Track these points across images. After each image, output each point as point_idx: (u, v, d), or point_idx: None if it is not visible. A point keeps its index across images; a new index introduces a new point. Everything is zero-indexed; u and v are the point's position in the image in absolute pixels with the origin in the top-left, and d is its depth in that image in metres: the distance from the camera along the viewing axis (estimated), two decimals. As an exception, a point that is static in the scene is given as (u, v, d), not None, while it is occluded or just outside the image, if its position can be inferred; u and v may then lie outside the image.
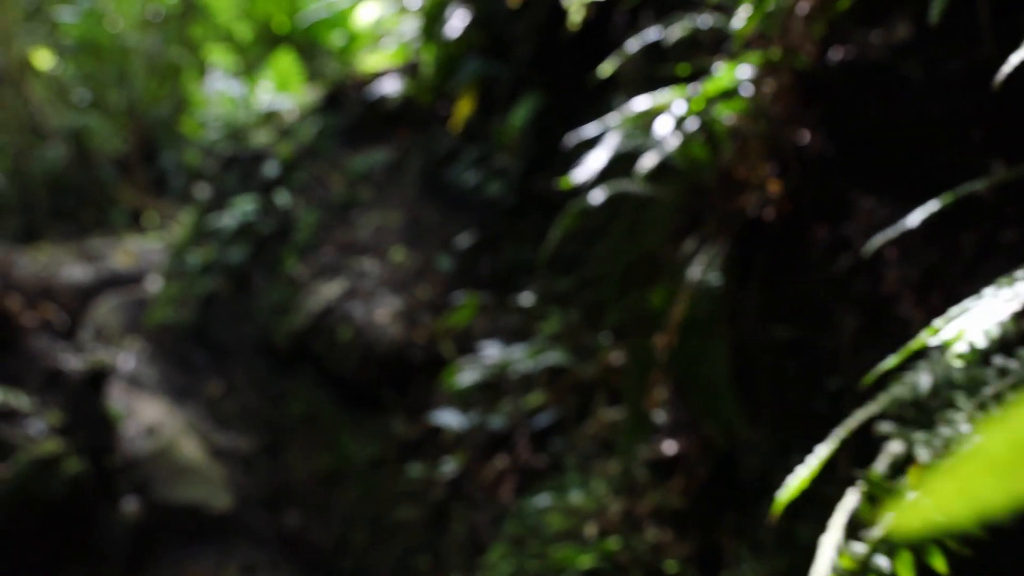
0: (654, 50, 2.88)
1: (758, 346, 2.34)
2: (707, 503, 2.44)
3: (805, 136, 2.28)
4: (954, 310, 1.05)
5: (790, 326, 2.29)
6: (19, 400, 4.18)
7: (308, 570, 4.08)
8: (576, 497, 2.70)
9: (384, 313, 4.25)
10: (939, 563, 1.04)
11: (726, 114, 2.35)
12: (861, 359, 2.08)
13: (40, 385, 4.67)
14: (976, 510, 0.32)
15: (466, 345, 3.85)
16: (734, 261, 2.35)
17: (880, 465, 1.36)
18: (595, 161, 2.41)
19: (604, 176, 2.51)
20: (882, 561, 1.07)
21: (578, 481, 2.78)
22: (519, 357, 3.34)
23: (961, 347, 0.98)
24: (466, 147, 4.60)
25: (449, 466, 3.52)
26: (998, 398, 1.11)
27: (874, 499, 1.31)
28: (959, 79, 2.06)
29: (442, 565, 3.41)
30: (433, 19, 4.61)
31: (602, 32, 3.68)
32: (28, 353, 4.91)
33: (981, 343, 0.96)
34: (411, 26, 5.15)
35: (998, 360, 1.20)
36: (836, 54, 2.30)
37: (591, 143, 2.64)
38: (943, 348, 1.26)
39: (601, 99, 3.59)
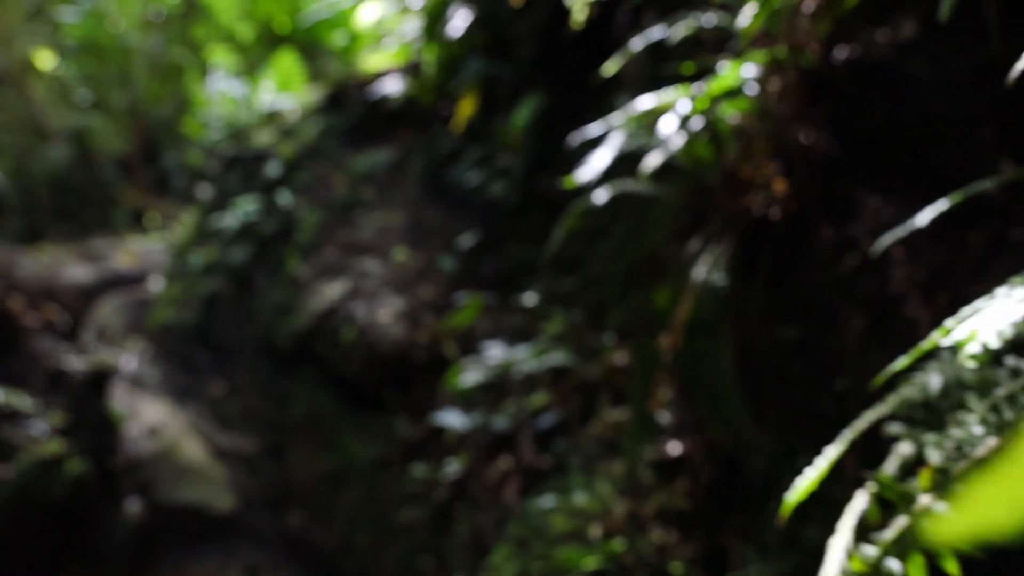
0: (657, 49, 2.87)
1: (763, 346, 2.33)
2: (712, 504, 2.43)
3: (810, 135, 2.27)
4: (966, 310, 1.04)
5: (796, 326, 2.27)
6: (21, 401, 4.17)
7: (311, 571, 4.07)
8: (580, 498, 2.69)
9: (387, 313, 4.24)
10: (952, 566, 1.03)
11: (730, 113, 2.33)
12: (867, 359, 2.07)
13: (42, 386, 4.67)
14: (1018, 518, 0.30)
15: (469, 345, 3.84)
16: (739, 261, 2.34)
17: (890, 467, 1.35)
18: (599, 160, 2.39)
19: (608, 176, 2.49)
20: (893, 564, 1.06)
21: (582, 482, 2.77)
22: (522, 357, 3.33)
23: (974, 348, 0.96)
24: (468, 147, 4.59)
25: (452, 467, 3.51)
26: (1011, 399, 1.10)
27: (884, 501, 1.30)
28: (966, 77, 2.05)
29: (446, 566, 3.40)
30: (435, 19, 4.61)
31: (605, 31, 3.67)
32: (30, 354, 4.91)
33: (994, 344, 0.95)
34: (413, 26, 5.14)
35: (1010, 360, 1.18)
36: (841, 52, 2.29)
37: (595, 142, 2.63)
38: (955, 349, 1.25)
39: (604, 98, 3.58)
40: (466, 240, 4.36)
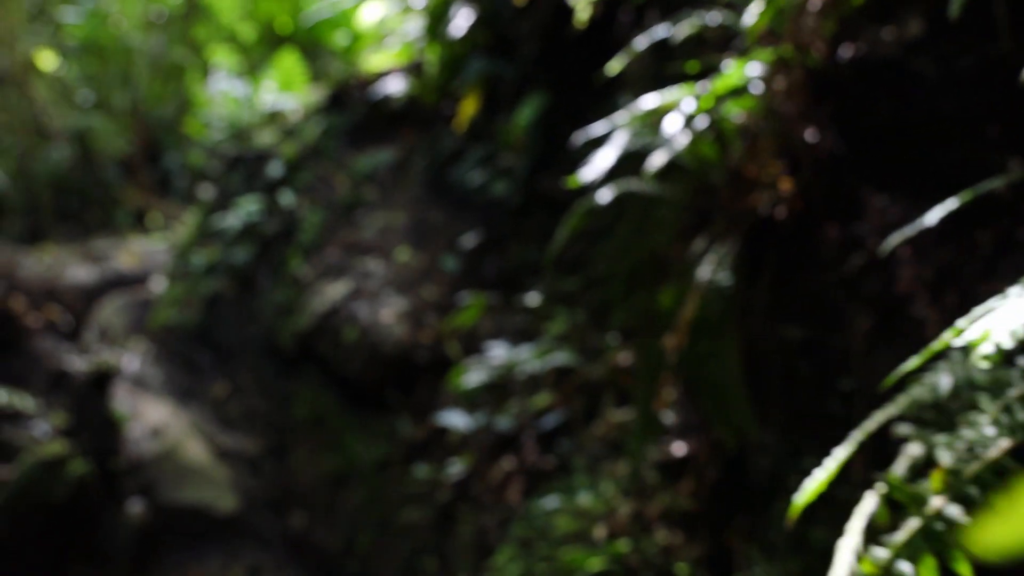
0: (661, 48, 2.86)
1: (769, 346, 2.31)
2: (717, 505, 2.42)
3: (815, 134, 2.26)
4: (978, 310, 1.03)
5: (801, 326, 2.26)
6: (24, 401, 4.17)
7: (313, 572, 4.06)
8: (585, 499, 2.68)
9: (389, 313, 4.23)
10: (964, 569, 1.02)
11: (735, 112, 2.32)
12: (874, 360, 2.06)
13: (45, 386, 4.66)
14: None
15: (472, 346, 3.83)
16: (744, 260, 2.33)
17: (899, 468, 1.33)
18: (603, 160, 2.38)
19: (612, 175, 2.48)
20: (905, 567, 1.05)
21: (586, 483, 2.76)
22: (526, 358, 3.32)
23: (987, 348, 0.95)
24: (471, 147, 4.58)
25: (456, 467, 3.50)
26: (1023, 400, 1.08)
27: (893, 503, 1.29)
28: (972, 75, 2.03)
29: (449, 567, 3.39)
30: (437, 18, 4.59)
31: (607, 30, 3.66)
32: (33, 354, 4.90)
33: (1008, 344, 0.94)
34: (415, 25, 5.13)
35: (1022, 361, 1.17)
36: (847, 51, 2.28)
37: (598, 142, 2.62)
38: (966, 349, 1.24)
39: (607, 98, 3.57)
40: (469, 240, 4.35)
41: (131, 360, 5.44)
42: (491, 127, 4.44)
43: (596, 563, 2.40)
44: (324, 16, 7.39)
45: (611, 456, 2.89)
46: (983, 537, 0.31)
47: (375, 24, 6.44)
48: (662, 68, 3.03)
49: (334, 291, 4.55)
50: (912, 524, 1.07)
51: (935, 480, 1.08)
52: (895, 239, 1.70)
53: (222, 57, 8.15)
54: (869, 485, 1.47)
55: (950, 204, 1.54)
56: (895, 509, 1.40)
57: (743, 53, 2.22)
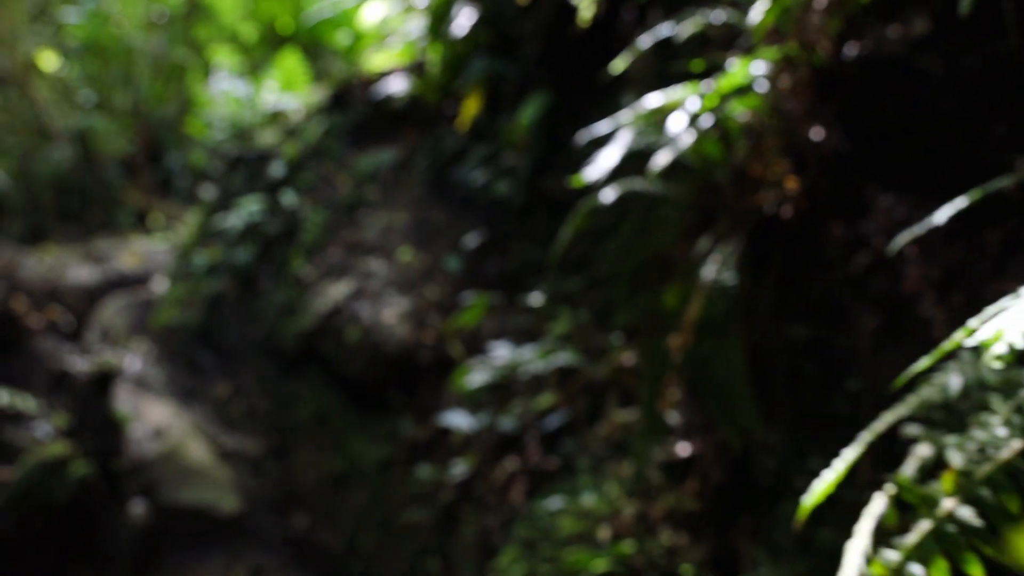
0: (664, 47, 2.85)
1: (774, 346, 2.30)
2: (722, 506, 2.41)
3: (821, 132, 2.25)
4: (990, 309, 1.02)
5: (807, 326, 2.25)
6: (25, 402, 4.16)
7: (316, 573, 4.05)
8: (589, 499, 2.67)
9: (392, 314, 4.22)
10: (976, 571, 1.01)
11: (740, 111, 2.31)
12: (880, 359, 2.04)
13: (46, 387, 4.65)
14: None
15: (475, 346, 3.82)
16: (749, 260, 2.32)
17: (908, 469, 1.32)
18: (607, 159, 2.37)
19: (616, 174, 2.47)
20: (916, 569, 1.03)
21: (590, 483, 2.75)
22: (529, 358, 3.31)
23: (1000, 348, 0.94)
24: (473, 146, 4.57)
25: (459, 468, 3.49)
26: (1036, 400, 1.07)
27: (902, 504, 1.28)
28: (979, 73, 2.02)
29: (452, 568, 3.38)
30: (440, 17, 4.58)
31: (610, 30, 3.64)
32: (34, 355, 4.89)
33: (1021, 344, 0.92)
34: (417, 24, 5.12)
35: (1034, 361, 1.16)
36: (852, 49, 2.27)
37: (601, 141, 2.61)
38: (977, 349, 1.23)
39: (610, 97, 3.56)
40: (471, 240, 4.34)
41: (133, 360, 5.44)
42: (493, 127, 4.42)
43: (600, 564, 2.39)
44: (326, 16, 7.38)
45: (615, 456, 2.88)
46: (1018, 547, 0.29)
47: (377, 23, 6.43)
48: (665, 67, 3.02)
49: (336, 291, 4.54)
50: (923, 526, 1.05)
51: (946, 482, 1.07)
52: (903, 238, 1.69)
53: (223, 57, 8.14)
54: (876, 486, 1.46)
55: (959, 203, 1.53)
56: (904, 511, 1.39)
57: (748, 51, 2.21)
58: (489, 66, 4.36)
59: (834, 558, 2.04)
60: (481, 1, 4.39)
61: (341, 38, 7.48)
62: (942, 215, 1.57)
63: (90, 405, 4.30)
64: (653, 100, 2.30)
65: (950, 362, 1.32)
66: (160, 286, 6.35)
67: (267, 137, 5.94)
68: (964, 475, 1.06)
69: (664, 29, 2.54)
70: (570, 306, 3.51)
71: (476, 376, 3.35)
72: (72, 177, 8.50)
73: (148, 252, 7.26)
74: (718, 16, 2.45)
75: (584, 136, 2.72)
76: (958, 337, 1.02)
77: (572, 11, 3.77)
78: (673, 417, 2.60)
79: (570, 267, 3.56)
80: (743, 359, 2.23)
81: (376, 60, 5.81)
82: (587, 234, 2.75)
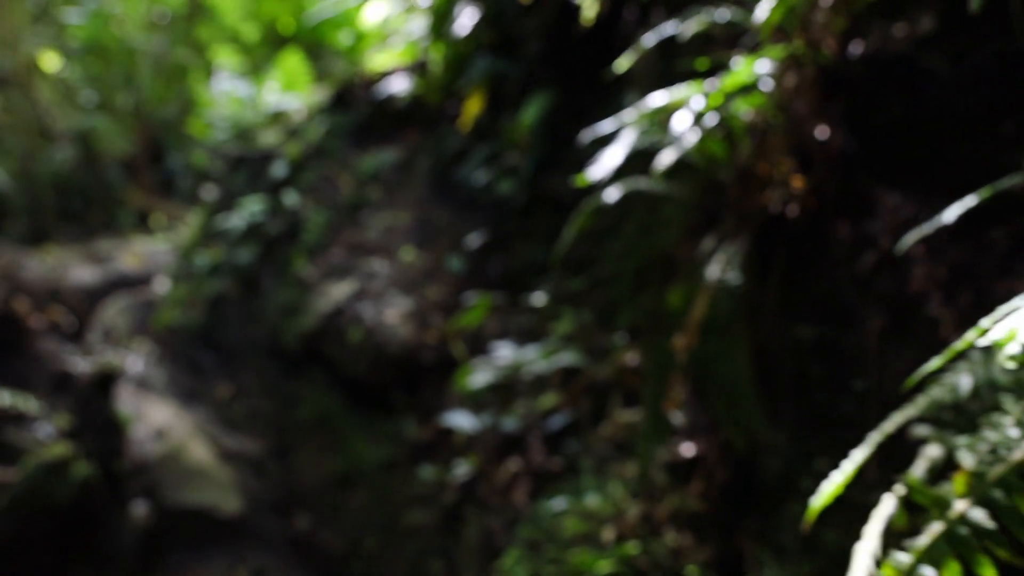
0: (666, 47, 2.83)
1: (779, 346, 2.29)
2: (727, 507, 2.39)
3: (826, 131, 2.23)
4: (1002, 309, 1.00)
5: (812, 325, 2.24)
6: (27, 403, 4.15)
7: (318, 574, 4.04)
8: (593, 500, 2.65)
9: (394, 314, 4.21)
10: (989, 573, 0.99)
11: (744, 110, 2.29)
12: (887, 360, 2.03)
13: (48, 388, 4.65)
14: None
15: (477, 346, 3.80)
16: (753, 259, 2.30)
17: (917, 470, 1.31)
18: (612, 158, 2.36)
19: (619, 173, 2.46)
20: (928, 572, 1.02)
21: (594, 484, 2.74)
22: (532, 358, 3.30)
23: (1013, 348, 0.92)
24: (476, 146, 4.56)
25: (461, 469, 3.48)
26: (1049, 401, 1.06)
27: (911, 505, 1.26)
28: (986, 71, 2.01)
29: (455, 570, 3.37)
30: (442, 17, 4.57)
31: (612, 29, 3.63)
32: (36, 356, 4.89)
33: (1035, 344, 0.91)
34: (419, 24, 5.11)
35: (1046, 361, 1.15)
36: (857, 48, 2.25)
37: (604, 140, 2.60)
38: (988, 349, 1.22)
39: (612, 96, 3.54)
40: (474, 240, 4.33)
41: (135, 361, 5.43)
42: (496, 126, 4.41)
43: (605, 566, 2.38)
44: (327, 16, 7.37)
45: (619, 457, 2.87)
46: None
47: (379, 23, 6.42)
48: (668, 66, 3.01)
49: (339, 291, 4.53)
50: (935, 528, 1.04)
51: (958, 483, 1.06)
52: (912, 237, 1.68)
53: (225, 57, 8.14)
54: (883, 487, 1.44)
55: (968, 201, 1.51)
56: (913, 512, 1.37)
57: (753, 50, 2.19)
58: (491, 66, 4.34)
59: (840, 559, 2.03)
60: (483, 1, 4.38)
61: (343, 38, 7.47)
62: (951, 214, 1.56)
63: (92, 406, 4.29)
64: (657, 99, 2.29)
65: (960, 362, 1.31)
66: (162, 287, 6.35)
67: (269, 137, 5.93)
68: (976, 476, 1.05)
69: (668, 27, 2.53)
70: (573, 306, 3.50)
71: (479, 376, 3.34)
72: (74, 178, 8.50)
73: (150, 252, 7.25)
74: (722, 14, 2.44)
75: (587, 135, 2.70)
76: (970, 337, 1.01)
77: (574, 10, 3.75)
78: (677, 417, 2.59)
79: (573, 267, 3.55)
80: (748, 359, 2.22)
81: (378, 60, 5.80)
82: (590, 234, 2.73)
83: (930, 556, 1.03)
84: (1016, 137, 1.85)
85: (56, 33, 8.93)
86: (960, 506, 1.04)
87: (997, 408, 1.13)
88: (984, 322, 1.01)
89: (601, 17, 3.56)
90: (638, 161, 2.49)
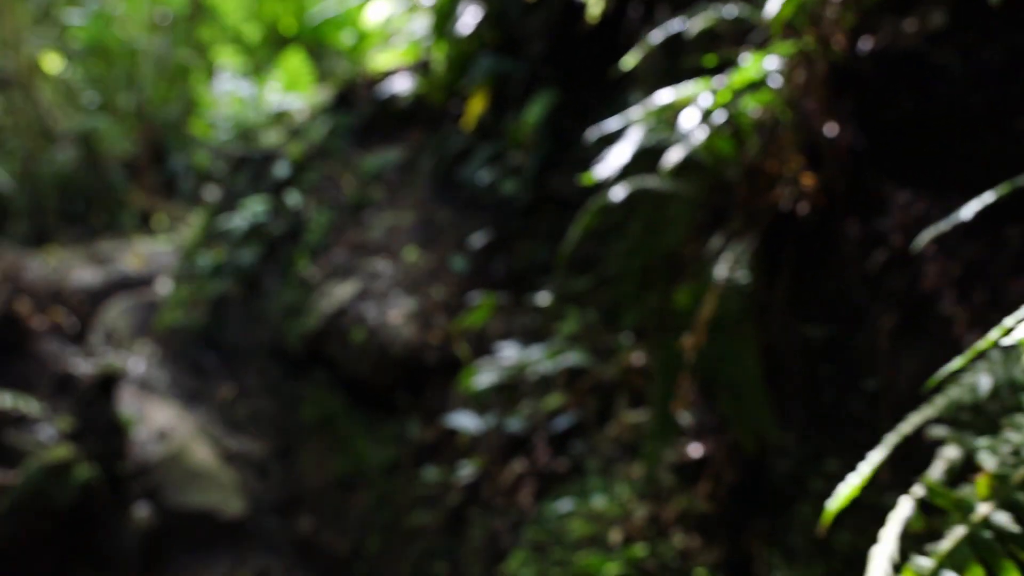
0: (672, 44, 2.81)
1: (789, 346, 2.26)
2: (736, 508, 2.37)
3: (836, 128, 2.21)
4: (1026, 307, 0.98)
5: (822, 325, 2.21)
6: (29, 405, 4.13)
7: (322, 576, 4.02)
8: (599, 502, 2.63)
9: (398, 314, 4.19)
10: (1014, 579, 0.97)
11: (752, 107, 2.27)
12: (899, 359, 2.00)
13: (50, 390, 4.63)
14: None
15: (482, 346, 3.78)
16: (762, 258, 2.28)
17: (935, 472, 1.28)
18: (618, 156, 2.33)
19: (625, 172, 2.43)
20: (950, 577, 0.99)
21: (601, 485, 2.71)
22: (537, 358, 3.27)
23: (1039, 347, 0.90)
24: (479, 145, 4.53)
25: (466, 470, 3.45)
26: (1074, 401, 1.03)
27: (929, 508, 1.24)
28: (998, 67, 1.98)
29: (459, 572, 3.34)
30: (445, 16, 4.55)
31: (617, 27, 3.61)
32: (38, 357, 4.87)
33: (1062, 342, 0.88)
34: (422, 24, 5.09)
35: (1070, 360, 1.12)
36: (867, 43, 2.23)
37: (610, 139, 2.57)
38: (1007, 349, 1.19)
39: (617, 95, 3.52)
40: (478, 239, 4.31)
41: (137, 362, 5.41)
42: (499, 126, 4.39)
43: (612, 568, 2.35)
44: (329, 15, 7.35)
45: (626, 458, 2.84)
46: None
47: (381, 23, 6.40)
48: (673, 64, 2.98)
49: (342, 292, 4.51)
50: (957, 532, 1.01)
51: (981, 486, 1.03)
52: (927, 235, 1.65)
53: (227, 58, 8.12)
54: (896, 489, 1.41)
55: (986, 198, 1.49)
56: (930, 514, 1.35)
57: (762, 46, 2.17)
58: (495, 64, 4.32)
59: (851, 562, 2.00)
60: (486, -1, 4.36)
61: (345, 38, 7.45)
62: (968, 211, 1.53)
63: (94, 408, 4.27)
64: (664, 96, 2.26)
65: (978, 362, 1.28)
66: (164, 287, 6.33)
67: (271, 137, 5.92)
68: (999, 479, 1.03)
69: (674, 24, 2.50)
70: (578, 306, 3.48)
71: (483, 377, 3.31)
72: (76, 179, 8.48)
73: (152, 253, 7.23)
74: (730, 11, 2.41)
75: (593, 134, 2.68)
76: (993, 336, 0.98)
77: (579, 8, 3.73)
78: (685, 418, 2.56)
79: (578, 266, 3.52)
80: (757, 359, 2.19)
81: (380, 59, 5.78)
82: (595, 233, 2.71)
83: (952, 560, 1.00)
84: (1030, 133, 1.82)
85: (58, 34, 8.91)
86: (983, 509, 1.01)
87: (1019, 409, 1.11)
88: (1008, 321, 0.98)
89: (606, 15, 3.54)
90: (645, 159, 2.46)
